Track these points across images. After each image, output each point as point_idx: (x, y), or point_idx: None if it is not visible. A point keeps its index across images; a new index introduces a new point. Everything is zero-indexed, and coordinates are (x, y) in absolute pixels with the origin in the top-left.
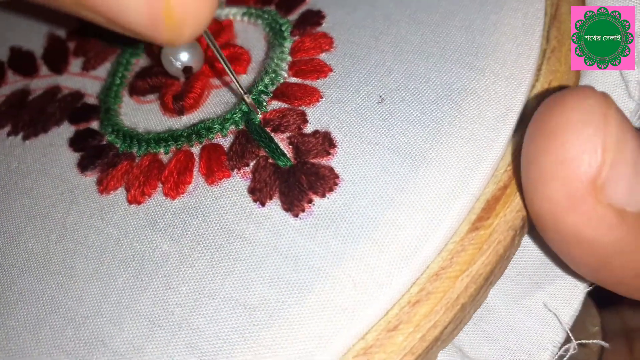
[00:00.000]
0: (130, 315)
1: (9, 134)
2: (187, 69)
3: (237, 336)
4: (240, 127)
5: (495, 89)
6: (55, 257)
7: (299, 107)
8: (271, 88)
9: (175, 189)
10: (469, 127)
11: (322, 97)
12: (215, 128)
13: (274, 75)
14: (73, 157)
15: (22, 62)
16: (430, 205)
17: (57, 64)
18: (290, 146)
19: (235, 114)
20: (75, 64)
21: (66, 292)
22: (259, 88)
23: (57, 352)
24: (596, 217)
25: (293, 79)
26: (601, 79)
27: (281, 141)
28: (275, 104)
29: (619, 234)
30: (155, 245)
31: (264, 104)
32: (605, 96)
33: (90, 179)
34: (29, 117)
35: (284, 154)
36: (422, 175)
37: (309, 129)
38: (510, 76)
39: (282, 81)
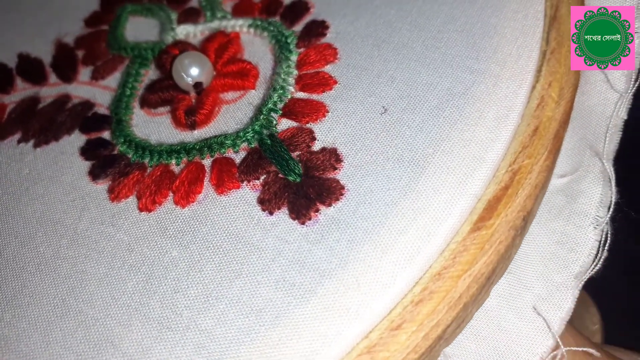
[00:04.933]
0: (139, 318)
1: (19, 141)
2: (197, 84)
3: (244, 336)
4: (253, 145)
5: (496, 90)
6: (66, 261)
7: (307, 125)
8: (280, 105)
9: (185, 197)
10: (470, 129)
11: (328, 112)
12: (227, 144)
13: (281, 91)
14: (84, 165)
15: (31, 69)
16: (432, 207)
17: (67, 73)
18: (300, 163)
19: (247, 132)
20: (84, 72)
21: (77, 296)
22: (268, 106)
23: (67, 354)
24: None
25: (300, 94)
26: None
27: None
28: (285, 123)
29: None
30: (165, 251)
31: (274, 122)
32: None
33: (101, 187)
34: (39, 125)
35: (294, 171)
36: (424, 180)
37: (317, 146)
38: (510, 78)
39: (289, 97)
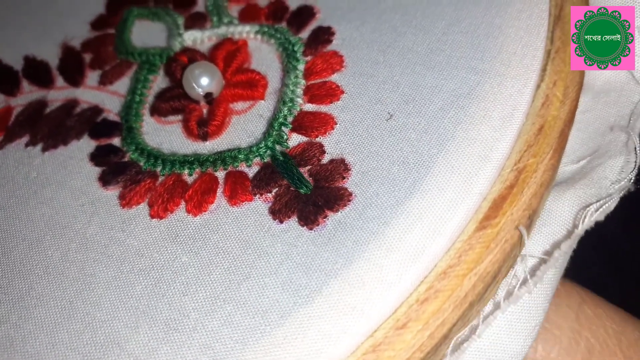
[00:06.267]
0: (146, 320)
1: (27, 145)
2: (208, 95)
3: (250, 336)
4: (265, 160)
5: (501, 90)
6: (74, 265)
7: (317, 139)
8: (290, 119)
9: (198, 207)
10: (475, 129)
11: (336, 123)
12: (240, 158)
13: (291, 104)
14: (93, 171)
15: (37, 72)
16: (437, 206)
17: (74, 77)
18: (310, 177)
19: (260, 148)
20: (92, 77)
21: (84, 298)
22: (279, 120)
23: (73, 355)
24: None
25: (309, 106)
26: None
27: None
28: (295, 138)
29: None
30: (175, 256)
31: (285, 137)
32: None
33: (111, 193)
34: (47, 129)
35: (305, 185)
36: (429, 180)
37: (326, 158)
38: (515, 77)
39: (298, 109)
